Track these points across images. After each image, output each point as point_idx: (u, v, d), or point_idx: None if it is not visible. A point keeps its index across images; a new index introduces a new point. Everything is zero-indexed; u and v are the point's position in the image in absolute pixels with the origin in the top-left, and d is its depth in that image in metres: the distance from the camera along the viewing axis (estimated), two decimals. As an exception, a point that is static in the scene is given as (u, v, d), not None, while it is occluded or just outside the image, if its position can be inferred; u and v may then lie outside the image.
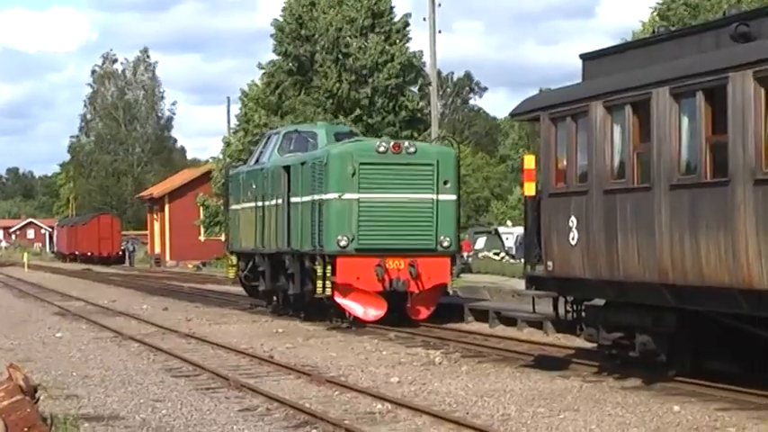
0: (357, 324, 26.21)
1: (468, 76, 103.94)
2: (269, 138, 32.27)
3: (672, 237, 15.06)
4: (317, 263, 26.69)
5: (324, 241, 26.38)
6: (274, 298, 31.15)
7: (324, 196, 26.51)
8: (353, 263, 26.03)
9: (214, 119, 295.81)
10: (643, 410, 14.54)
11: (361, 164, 26.27)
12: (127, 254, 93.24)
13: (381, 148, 26.51)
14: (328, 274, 26.21)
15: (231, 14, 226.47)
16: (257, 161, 31.95)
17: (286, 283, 29.16)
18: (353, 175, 26.17)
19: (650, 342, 16.40)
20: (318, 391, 16.74)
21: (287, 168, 28.99)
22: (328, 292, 26.27)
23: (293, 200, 28.36)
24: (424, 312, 26.37)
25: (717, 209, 14.39)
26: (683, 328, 16.04)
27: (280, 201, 29.15)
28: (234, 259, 34.07)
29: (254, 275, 31.82)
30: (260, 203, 30.62)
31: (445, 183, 26.44)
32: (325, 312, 27.58)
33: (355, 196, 26.20)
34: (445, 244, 26.28)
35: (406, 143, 27.48)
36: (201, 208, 73.51)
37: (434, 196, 26.32)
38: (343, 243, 25.99)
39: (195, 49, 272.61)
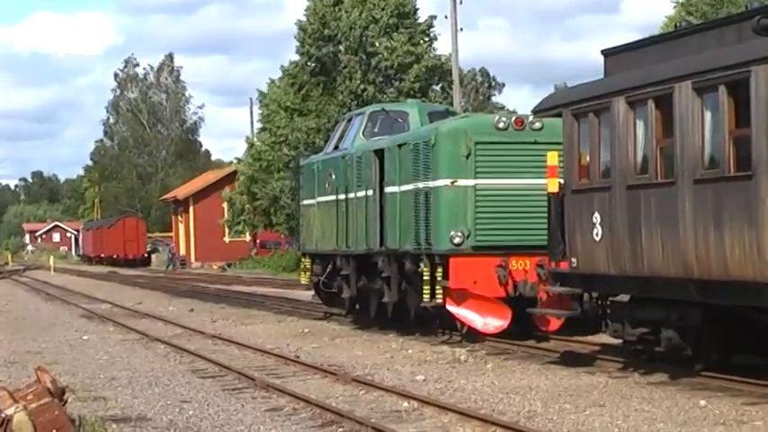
0: (473, 338, 22.19)
1: (484, 72, 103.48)
2: (350, 120, 27.73)
3: (696, 231, 15.03)
4: (422, 264, 22.33)
5: (432, 238, 22.04)
6: (356, 306, 27.29)
7: (431, 183, 22.16)
8: (470, 263, 21.58)
9: (240, 120, 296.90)
10: (669, 405, 14.52)
11: (478, 143, 21.77)
12: (169, 256, 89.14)
13: (501, 124, 21.95)
14: (439, 278, 21.87)
15: (258, 16, 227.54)
16: (336, 147, 27.45)
17: (378, 290, 24.96)
18: (468, 156, 21.74)
19: (676, 337, 16.36)
20: (344, 390, 16.77)
21: (379, 152, 24.54)
22: (439, 299, 21.90)
23: (388, 190, 24.04)
24: (555, 322, 21.01)
25: (741, 203, 14.35)
26: (708, 322, 16.02)
27: (369, 192, 24.76)
28: (307, 262, 29.57)
29: (334, 281, 27.65)
30: (341, 196, 26.28)
31: None
32: (429, 324, 23.67)
33: (471, 182, 21.76)
34: None
35: (530, 117, 22.02)
36: (227, 204, 73.74)
37: None
38: (457, 240, 21.59)
39: (221, 50, 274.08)
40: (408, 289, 23.60)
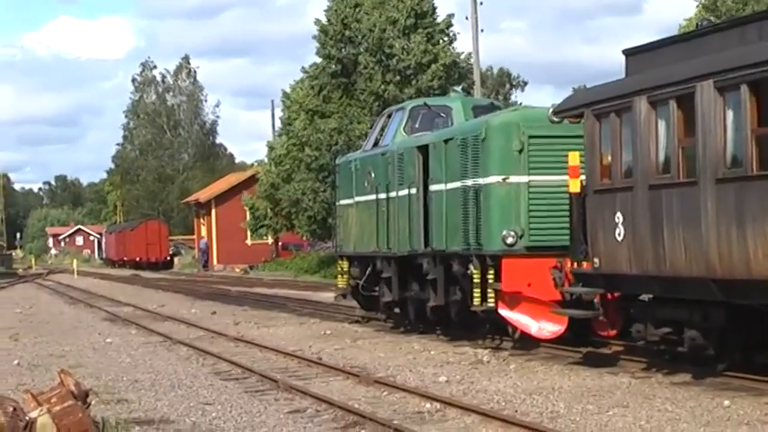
0: (525, 344, 20.98)
1: (504, 72, 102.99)
2: (390, 116, 26.54)
3: (719, 231, 14.98)
4: (471, 266, 21.10)
5: (483, 238, 20.77)
6: (397, 310, 26.13)
7: (481, 180, 20.85)
8: (523, 265, 20.21)
9: (261, 122, 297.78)
10: (693, 405, 14.48)
11: (531, 137, 20.42)
12: (204, 250, 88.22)
13: (556, 117, 20.05)
14: (490, 281, 20.66)
15: (280, 19, 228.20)
16: (376, 144, 26.43)
17: (422, 293, 23.89)
18: (521, 151, 20.43)
19: (699, 337, 16.31)
20: (367, 391, 16.77)
21: (422, 149, 23.42)
22: (490, 303, 20.66)
23: (433, 188, 22.82)
24: (614, 326, 19.38)
25: (764, 202, 14.29)
26: (731, 322, 15.96)
27: (413, 190, 23.64)
28: (345, 265, 28.38)
29: (373, 284, 26.51)
30: (382, 195, 25.16)
31: None
32: (476, 329, 22.53)
33: (524, 179, 20.43)
34: None
35: None
36: (248, 210, 73.86)
37: None
38: (509, 240, 20.31)
39: (243, 53, 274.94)
40: (455, 291, 22.41)
